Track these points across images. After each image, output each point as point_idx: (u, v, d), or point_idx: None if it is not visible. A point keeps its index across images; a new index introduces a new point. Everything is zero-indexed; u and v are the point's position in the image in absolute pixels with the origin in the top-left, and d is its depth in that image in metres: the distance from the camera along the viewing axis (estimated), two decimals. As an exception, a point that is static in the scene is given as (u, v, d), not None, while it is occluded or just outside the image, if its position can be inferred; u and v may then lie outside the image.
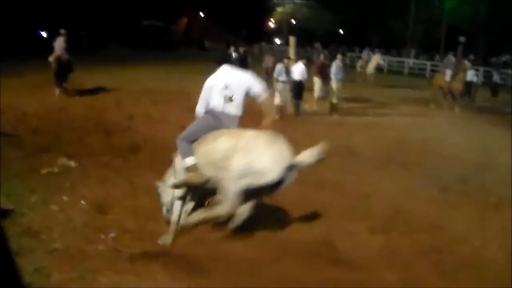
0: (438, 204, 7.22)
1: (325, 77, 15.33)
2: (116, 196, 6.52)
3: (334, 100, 15.19)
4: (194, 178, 5.43)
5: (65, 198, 6.41)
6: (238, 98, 5.94)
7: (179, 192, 5.54)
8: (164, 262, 4.86)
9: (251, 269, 4.80)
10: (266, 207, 6.42)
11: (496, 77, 22.30)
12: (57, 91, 15.83)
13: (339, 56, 15.74)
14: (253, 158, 5.14)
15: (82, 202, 6.30)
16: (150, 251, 5.09)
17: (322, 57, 16.78)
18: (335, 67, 15.20)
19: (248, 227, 5.69)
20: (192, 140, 5.58)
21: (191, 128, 5.89)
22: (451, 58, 18.98)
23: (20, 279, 1.83)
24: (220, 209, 5.22)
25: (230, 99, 5.87)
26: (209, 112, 5.89)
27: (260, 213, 6.20)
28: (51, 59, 15.96)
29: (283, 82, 13.83)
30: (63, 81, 16.30)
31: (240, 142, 5.32)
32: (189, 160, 5.43)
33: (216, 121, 5.78)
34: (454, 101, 17.48)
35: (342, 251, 5.37)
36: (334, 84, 15.17)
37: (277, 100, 13.60)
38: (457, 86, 17.28)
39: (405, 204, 7.07)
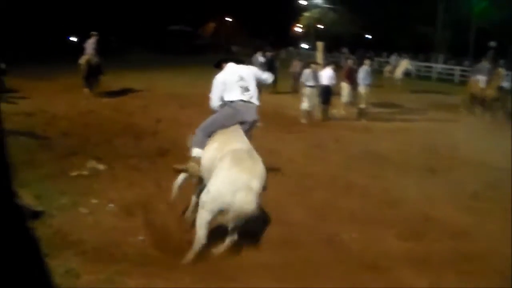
0: (467, 211, 7.10)
1: (353, 82, 15.22)
2: (144, 199, 6.54)
3: (362, 105, 15.09)
4: (193, 168, 5.70)
5: (94, 200, 6.48)
6: (253, 88, 6.19)
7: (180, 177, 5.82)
8: (192, 266, 4.86)
9: (278, 275, 4.77)
10: (293, 211, 6.42)
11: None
12: (85, 90, 16.45)
13: (367, 61, 15.66)
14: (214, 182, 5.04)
15: (111, 204, 6.36)
16: (178, 254, 5.09)
17: (350, 62, 16.64)
18: (362, 72, 15.11)
19: (274, 232, 5.69)
20: (210, 131, 5.88)
21: (210, 119, 6.21)
22: (484, 64, 18.64)
23: (50, 280, 1.85)
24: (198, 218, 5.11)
25: (246, 89, 6.11)
26: (227, 104, 6.10)
27: (286, 217, 6.21)
28: (81, 60, 16.50)
29: (310, 87, 13.77)
30: (93, 83, 16.87)
31: (219, 156, 5.31)
32: (196, 151, 5.75)
33: (234, 111, 6.00)
34: (485, 107, 17.17)
35: (370, 258, 5.31)
36: (362, 89, 15.08)
37: (304, 105, 13.61)
38: (491, 93, 16.94)
39: (433, 211, 6.98)
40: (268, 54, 20.58)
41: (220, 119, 6.05)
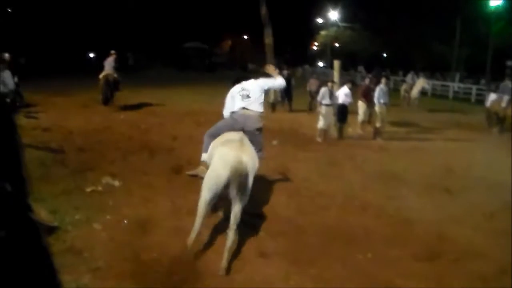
0: (484, 232, 7.00)
1: (369, 101, 15.18)
2: (159, 217, 6.56)
3: (378, 124, 15.03)
4: (202, 171, 6.12)
5: (108, 217, 6.49)
6: (255, 95, 6.81)
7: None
8: (205, 284, 4.85)
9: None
10: (307, 231, 6.38)
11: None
12: (102, 105, 17.41)
13: (383, 80, 15.61)
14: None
15: (125, 221, 6.36)
16: (191, 273, 5.08)
17: (367, 81, 16.60)
18: (378, 91, 15.07)
19: (287, 250, 5.67)
20: (215, 136, 6.33)
21: (216, 125, 6.88)
22: (508, 83, 18.50)
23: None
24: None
25: (247, 96, 6.78)
26: (232, 113, 6.87)
27: (300, 237, 6.18)
28: (100, 76, 17.55)
29: (326, 105, 13.74)
30: (110, 98, 17.72)
31: (214, 146, 6.07)
32: (203, 156, 6.49)
33: (233, 120, 6.73)
34: (505, 127, 16.96)
35: (385, 278, 5.26)
36: (377, 108, 15.03)
37: (320, 123, 13.59)
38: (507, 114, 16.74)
39: (450, 231, 6.89)
40: (285, 72, 20.62)
41: (221, 126, 6.70)
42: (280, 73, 17.68)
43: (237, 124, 6.56)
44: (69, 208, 6.62)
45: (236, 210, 5.41)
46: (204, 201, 5.49)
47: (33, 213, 1.95)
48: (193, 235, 5.47)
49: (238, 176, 5.27)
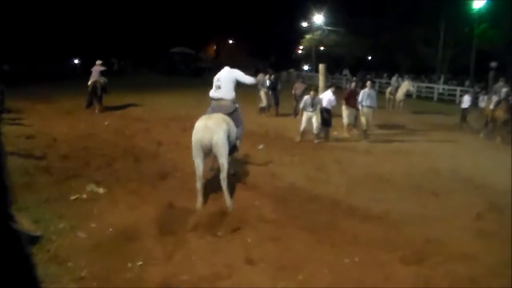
0: (471, 233, 7.00)
1: (353, 105, 15.25)
2: (144, 224, 6.48)
3: (363, 127, 15.09)
4: None
5: (93, 225, 6.41)
6: (226, 86, 8.52)
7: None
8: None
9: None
10: (295, 235, 6.35)
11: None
12: (90, 109, 18.43)
13: (368, 83, 15.68)
14: None
15: (110, 229, 6.28)
16: (176, 280, 5.03)
17: (352, 85, 16.68)
18: (362, 94, 15.15)
19: (276, 255, 5.64)
20: None
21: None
22: (501, 84, 18.43)
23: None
24: None
25: (219, 87, 8.54)
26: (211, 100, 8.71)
27: (289, 241, 6.15)
28: (89, 83, 18.52)
29: (308, 112, 13.83)
30: (98, 101, 18.66)
31: None
32: None
33: (211, 108, 8.52)
34: (495, 128, 16.96)
35: (373, 282, 5.23)
36: (361, 111, 15.11)
37: (301, 127, 13.70)
38: (500, 114, 16.67)
39: (437, 233, 6.88)
40: (272, 76, 20.71)
41: (207, 111, 8.56)
42: (269, 78, 18.12)
43: (214, 111, 8.27)
44: (53, 216, 6.52)
45: (221, 162, 7.45)
46: (195, 163, 7.53)
47: (15, 223, 1.89)
48: (200, 197, 7.44)
49: (205, 137, 7.32)
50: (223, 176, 7.38)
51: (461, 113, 19.88)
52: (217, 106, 8.40)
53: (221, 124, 7.50)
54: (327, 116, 14.30)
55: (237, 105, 8.66)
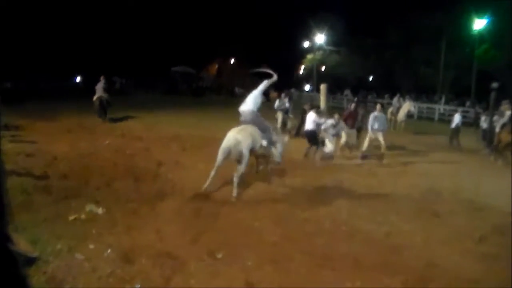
0: (474, 257, 6.93)
1: (352, 125, 15.32)
2: (143, 245, 6.41)
3: (363, 149, 15.14)
4: None
5: (91, 246, 6.33)
6: (249, 99, 10.68)
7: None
8: None
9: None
10: (294, 258, 6.28)
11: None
12: (99, 119, 20.79)
13: (378, 107, 15.84)
14: None
15: (108, 250, 6.20)
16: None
17: (352, 106, 16.74)
18: (372, 118, 15.25)
19: (273, 278, 5.56)
20: None
21: None
22: (506, 107, 18.33)
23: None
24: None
25: (245, 101, 10.74)
26: None
27: (287, 264, 6.07)
28: (94, 98, 21.03)
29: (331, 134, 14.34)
30: (104, 114, 21.18)
31: None
32: None
33: (241, 117, 10.70)
34: (499, 151, 16.79)
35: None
36: (370, 134, 15.18)
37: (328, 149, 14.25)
38: (506, 137, 16.53)
39: (439, 256, 6.82)
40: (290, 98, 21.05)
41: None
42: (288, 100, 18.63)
43: (242, 117, 10.56)
44: (51, 237, 6.44)
45: (239, 166, 9.50)
46: (217, 160, 9.53)
47: (12, 244, 1.85)
48: (208, 180, 9.45)
49: (233, 146, 9.39)
50: (237, 175, 9.41)
51: (451, 131, 19.94)
52: (242, 114, 10.55)
53: (247, 139, 9.57)
54: (312, 138, 14.33)
55: (256, 113, 10.55)
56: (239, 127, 9.93)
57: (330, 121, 14.21)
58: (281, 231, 7.42)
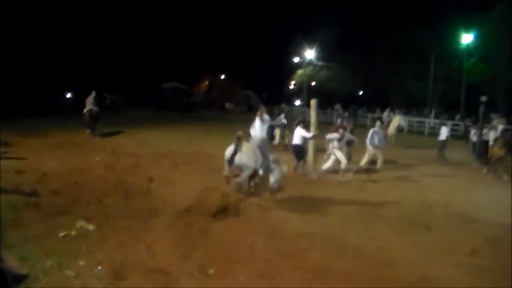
0: (466, 269, 6.94)
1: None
2: (134, 262, 6.38)
3: (361, 163, 15.18)
4: None
5: (81, 263, 6.29)
6: (257, 126, 11.20)
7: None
8: None
9: None
10: (286, 273, 6.26)
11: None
12: (87, 132, 21.30)
13: (377, 123, 16.11)
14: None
15: (99, 267, 6.16)
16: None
17: (339, 121, 16.83)
18: (372, 133, 15.35)
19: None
20: None
21: None
22: (498, 121, 18.44)
23: None
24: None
25: (253, 125, 11.28)
26: None
27: (279, 279, 6.05)
28: (84, 111, 21.50)
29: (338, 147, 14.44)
30: (93, 128, 21.65)
31: None
32: None
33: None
34: (492, 166, 16.78)
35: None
36: (369, 149, 15.26)
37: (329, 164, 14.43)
38: (498, 151, 16.55)
39: (431, 270, 6.82)
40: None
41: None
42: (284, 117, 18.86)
43: (252, 141, 11.03)
44: (41, 254, 6.40)
45: (241, 174, 10.66)
46: (225, 165, 10.62)
47: (1, 261, 1.83)
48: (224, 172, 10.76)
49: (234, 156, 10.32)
50: (238, 180, 10.71)
51: (439, 144, 20.03)
52: (252, 140, 11.13)
53: (248, 152, 10.47)
54: (299, 152, 14.56)
55: (265, 142, 11.27)
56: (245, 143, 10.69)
57: (335, 135, 14.27)
58: (272, 247, 7.40)
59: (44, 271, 5.88)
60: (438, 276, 6.61)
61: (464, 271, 6.88)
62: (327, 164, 14.23)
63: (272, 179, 11.21)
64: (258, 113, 11.25)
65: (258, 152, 10.68)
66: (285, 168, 11.72)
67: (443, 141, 19.94)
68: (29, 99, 36.75)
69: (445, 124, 22.57)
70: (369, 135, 15.44)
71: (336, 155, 14.16)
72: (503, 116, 18.99)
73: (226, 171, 10.72)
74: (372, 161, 15.67)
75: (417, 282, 6.32)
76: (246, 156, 10.39)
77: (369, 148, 15.37)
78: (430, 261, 7.26)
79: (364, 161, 15.35)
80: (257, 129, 11.12)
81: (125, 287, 5.64)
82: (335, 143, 14.16)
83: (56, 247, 6.80)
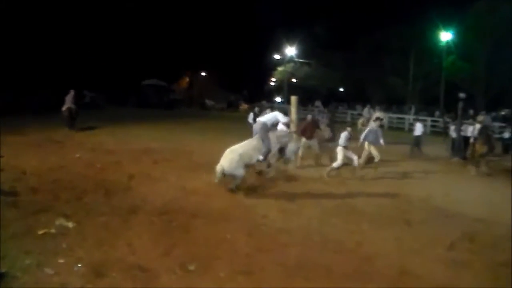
0: (445, 263, 7.03)
1: (309, 137, 15.46)
2: (114, 259, 6.34)
3: (361, 161, 15.11)
4: None
5: (61, 260, 6.23)
6: (268, 116, 12.46)
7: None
8: None
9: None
10: (266, 269, 6.27)
11: (506, 133, 22.36)
12: (67, 129, 21.64)
13: (376, 122, 16.17)
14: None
15: (79, 264, 6.12)
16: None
17: (309, 117, 16.71)
18: (367, 131, 15.42)
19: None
20: None
21: None
22: (482, 118, 18.68)
23: None
24: None
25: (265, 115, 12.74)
26: None
27: (260, 275, 6.06)
28: (63, 109, 22.11)
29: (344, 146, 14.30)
30: (72, 125, 22.09)
31: None
32: None
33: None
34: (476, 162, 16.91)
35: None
36: (366, 146, 15.36)
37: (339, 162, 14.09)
38: (480, 148, 16.68)
39: (410, 264, 6.89)
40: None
41: None
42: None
43: (255, 127, 12.36)
44: (19, 252, 6.34)
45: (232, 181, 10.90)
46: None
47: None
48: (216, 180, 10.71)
49: (220, 163, 10.62)
50: (231, 187, 10.82)
51: (413, 140, 20.24)
52: (255, 125, 12.34)
53: (233, 162, 10.66)
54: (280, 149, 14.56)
55: (266, 127, 11.68)
56: (233, 147, 11.07)
57: (344, 134, 14.25)
58: (253, 242, 7.41)
59: (23, 270, 5.82)
60: (418, 270, 6.67)
61: (443, 265, 6.97)
62: (338, 163, 14.11)
63: (288, 151, 12.07)
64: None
65: (249, 148, 11.18)
66: (302, 140, 13.04)
67: (418, 136, 20.15)
68: (6, 98, 36.29)
69: (419, 120, 22.80)
70: (365, 132, 15.49)
71: (338, 153, 14.12)
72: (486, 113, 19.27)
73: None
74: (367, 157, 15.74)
75: (396, 277, 6.38)
76: (230, 165, 10.64)
77: (366, 145, 15.38)
78: (409, 255, 7.33)
79: (363, 158, 15.33)
80: (266, 116, 12.30)
81: (105, 284, 5.60)
82: (343, 142, 14.09)
83: (35, 245, 6.73)
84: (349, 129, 14.46)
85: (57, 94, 24.29)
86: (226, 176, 10.68)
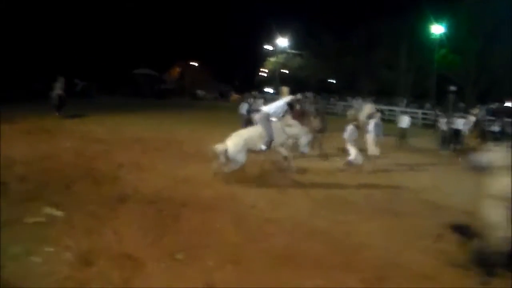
0: (432, 254, 7.07)
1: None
2: (102, 248, 6.33)
3: (369, 152, 15.10)
4: None
5: (49, 249, 6.21)
6: (272, 105, 12.24)
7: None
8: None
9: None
10: (254, 259, 6.29)
11: (495, 127, 22.47)
12: (56, 114, 22.79)
13: (377, 114, 16.17)
14: None
15: (67, 253, 6.10)
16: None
17: (297, 107, 16.72)
18: (374, 125, 15.34)
19: (234, 279, 5.56)
20: None
21: None
22: (477, 112, 18.81)
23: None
24: None
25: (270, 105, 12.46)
26: None
27: (247, 265, 6.08)
28: (52, 95, 23.20)
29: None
30: (61, 110, 23.07)
31: None
32: None
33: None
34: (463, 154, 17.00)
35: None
36: (374, 138, 15.25)
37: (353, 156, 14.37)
38: (471, 141, 16.81)
39: (398, 255, 6.93)
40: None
41: None
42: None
43: (257, 117, 12.35)
44: (7, 241, 6.29)
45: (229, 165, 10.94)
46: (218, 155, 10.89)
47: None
48: (215, 165, 10.94)
49: (221, 147, 10.80)
50: (227, 169, 10.95)
51: (399, 132, 20.34)
52: (258, 115, 12.20)
53: (234, 139, 10.99)
54: None
55: (268, 117, 11.63)
56: (239, 131, 11.70)
57: (352, 127, 14.26)
58: (242, 232, 7.42)
59: (10, 258, 5.79)
60: (404, 261, 6.71)
61: (430, 255, 7.01)
62: (352, 156, 14.16)
63: (301, 146, 12.23)
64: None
65: (253, 134, 11.41)
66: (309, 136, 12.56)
67: (403, 129, 20.25)
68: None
69: (405, 113, 22.90)
70: (371, 126, 15.47)
71: (348, 147, 14.28)
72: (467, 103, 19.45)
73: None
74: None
75: (384, 267, 6.41)
76: (235, 148, 10.82)
77: (369, 137, 15.33)
78: (397, 246, 7.36)
79: (372, 150, 15.25)
80: (270, 106, 12.22)
81: (92, 272, 5.60)
82: (351, 135, 14.10)
83: (23, 233, 6.71)
84: (356, 123, 14.48)
85: (48, 83, 24.39)
86: (226, 158, 10.78)
